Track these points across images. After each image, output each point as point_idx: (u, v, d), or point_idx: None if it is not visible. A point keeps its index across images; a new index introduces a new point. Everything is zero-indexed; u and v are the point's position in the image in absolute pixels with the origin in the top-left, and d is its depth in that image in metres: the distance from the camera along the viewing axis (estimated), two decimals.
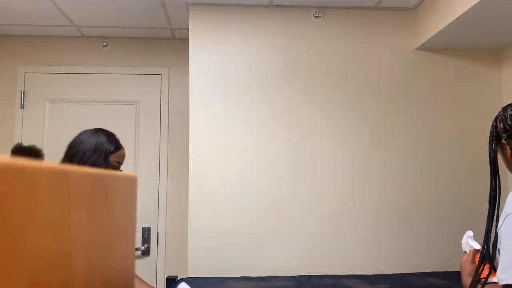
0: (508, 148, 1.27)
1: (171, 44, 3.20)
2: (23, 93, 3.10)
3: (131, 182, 0.69)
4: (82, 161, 1.64)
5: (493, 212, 1.27)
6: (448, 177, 2.57)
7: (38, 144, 2.45)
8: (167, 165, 3.10)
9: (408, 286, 2.13)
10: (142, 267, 2.98)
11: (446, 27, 2.28)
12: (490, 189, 1.31)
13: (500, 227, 1.21)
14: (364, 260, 2.48)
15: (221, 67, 2.55)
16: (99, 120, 3.11)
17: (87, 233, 0.46)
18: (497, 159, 1.31)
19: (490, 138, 1.33)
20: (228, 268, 2.41)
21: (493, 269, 1.22)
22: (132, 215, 0.69)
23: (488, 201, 1.32)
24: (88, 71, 3.15)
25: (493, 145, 1.31)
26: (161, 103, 3.16)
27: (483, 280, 1.20)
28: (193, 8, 2.58)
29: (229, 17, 2.59)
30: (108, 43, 3.19)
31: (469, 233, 1.40)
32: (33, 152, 2.26)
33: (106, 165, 1.68)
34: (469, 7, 2.05)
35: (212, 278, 2.28)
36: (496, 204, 1.29)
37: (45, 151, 2.51)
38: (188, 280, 2.11)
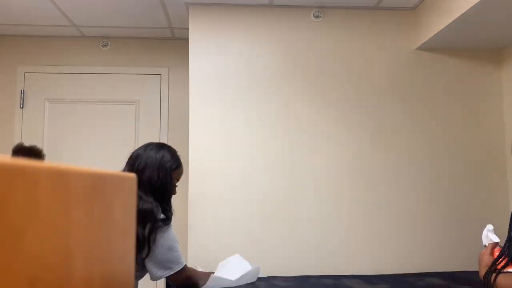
0: None
1: (171, 44, 3.20)
2: (23, 93, 3.10)
3: (131, 182, 0.69)
4: (146, 175, 1.68)
5: None
6: (448, 177, 2.57)
7: (38, 144, 2.45)
8: None
9: (408, 286, 2.13)
10: None
11: (446, 27, 2.28)
12: None
13: None
14: (364, 260, 2.48)
15: (221, 67, 2.55)
16: (99, 120, 3.11)
17: (87, 233, 0.46)
18: None
19: None
20: None
21: (511, 262, 1.21)
22: (132, 215, 0.69)
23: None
24: (88, 71, 3.15)
25: None
26: (161, 103, 3.16)
27: (498, 270, 1.20)
28: (193, 8, 2.58)
29: (229, 17, 2.59)
30: (108, 43, 3.19)
31: (490, 226, 1.37)
32: (34, 153, 2.26)
33: (170, 181, 1.72)
34: (469, 7, 2.05)
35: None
36: None
37: (45, 151, 2.51)
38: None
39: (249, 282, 1.98)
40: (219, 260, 2.40)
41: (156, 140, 3.11)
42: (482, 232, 1.42)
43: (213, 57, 2.56)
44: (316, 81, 2.58)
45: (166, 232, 1.64)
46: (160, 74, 3.19)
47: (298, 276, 2.33)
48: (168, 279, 1.74)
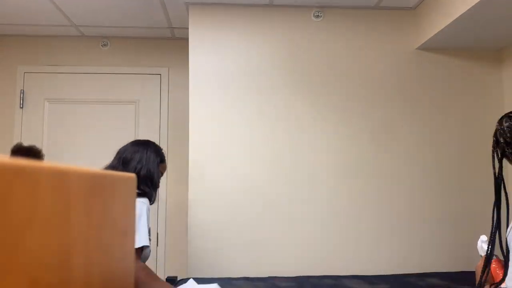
0: None
1: (171, 44, 3.20)
2: (23, 93, 3.10)
3: (130, 182, 0.69)
4: (138, 168, 1.81)
5: (498, 223, 1.26)
6: (448, 176, 2.57)
7: (37, 144, 2.45)
8: (167, 165, 3.10)
9: (408, 286, 2.13)
10: None
11: (446, 26, 2.28)
12: (494, 202, 1.28)
13: (508, 233, 1.24)
14: (364, 260, 2.48)
15: (221, 67, 2.55)
16: (99, 120, 3.11)
17: (87, 233, 0.45)
18: (502, 174, 1.28)
19: (493, 154, 1.29)
20: (228, 269, 2.41)
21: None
22: (131, 215, 0.69)
23: (492, 209, 1.31)
24: (88, 71, 3.15)
25: (498, 160, 1.29)
26: (161, 103, 3.16)
27: (495, 285, 1.22)
28: (193, 7, 2.58)
29: (229, 17, 2.59)
30: (107, 43, 3.19)
31: (483, 237, 1.41)
32: (33, 152, 2.26)
33: (158, 173, 1.87)
34: (469, 6, 2.05)
35: (212, 278, 2.27)
36: (498, 215, 1.27)
37: (44, 151, 2.51)
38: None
39: None
40: (218, 260, 2.40)
41: (155, 140, 3.11)
42: (482, 235, 1.44)
43: (213, 57, 2.56)
44: (316, 81, 2.57)
45: (138, 200, 1.68)
46: (160, 74, 3.19)
47: (298, 276, 2.33)
48: None
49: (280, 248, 2.45)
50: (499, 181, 1.27)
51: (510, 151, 1.24)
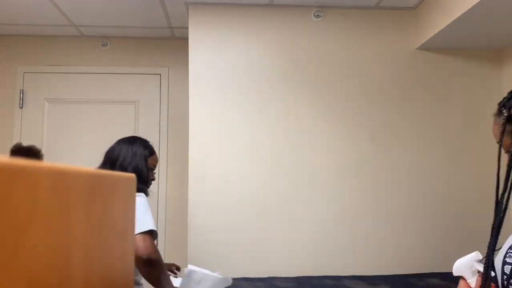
0: None
1: (170, 43, 3.20)
2: (22, 93, 3.10)
3: (130, 182, 0.69)
4: (124, 165, 1.80)
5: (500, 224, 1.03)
6: (448, 176, 2.57)
7: (37, 144, 2.45)
8: (167, 164, 3.10)
9: (408, 286, 2.13)
10: None
11: (446, 26, 2.28)
12: (501, 195, 1.04)
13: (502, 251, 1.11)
14: (364, 260, 2.48)
15: (221, 67, 2.55)
16: (99, 120, 3.11)
17: (87, 233, 0.45)
18: None
19: (502, 128, 1.07)
20: (228, 269, 2.41)
21: None
22: (131, 215, 0.69)
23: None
24: (88, 71, 3.15)
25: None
26: (160, 103, 3.16)
27: None
28: (193, 7, 2.58)
29: (229, 17, 2.59)
30: (107, 43, 3.19)
31: (477, 255, 1.16)
32: (32, 152, 2.26)
33: (147, 168, 1.85)
34: (469, 7, 2.05)
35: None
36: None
37: (44, 151, 2.51)
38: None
39: None
40: (218, 260, 2.40)
41: (156, 140, 3.10)
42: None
43: (213, 57, 2.56)
44: (316, 81, 2.57)
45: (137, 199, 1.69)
46: (160, 74, 3.19)
47: (298, 277, 2.33)
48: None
49: (280, 248, 2.45)
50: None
51: None
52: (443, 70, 2.63)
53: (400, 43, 2.63)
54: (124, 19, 2.88)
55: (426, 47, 2.60)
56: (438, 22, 2.37)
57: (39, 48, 3.16)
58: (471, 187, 2.56)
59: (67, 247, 0.38)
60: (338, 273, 2.42)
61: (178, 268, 2.18)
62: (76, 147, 3.05)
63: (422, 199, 2.54)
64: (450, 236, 2.52)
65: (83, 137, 3.07)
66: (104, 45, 3.18)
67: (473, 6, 2.03)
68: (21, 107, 3.09)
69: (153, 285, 1.67)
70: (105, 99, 3.13)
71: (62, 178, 0.37)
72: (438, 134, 2.59)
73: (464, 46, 2.60)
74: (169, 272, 1.96)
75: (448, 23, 2.25)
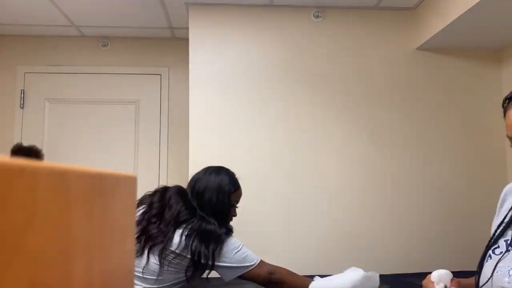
0: None
1: (171, 44, 3.20)
2: (23, 93, 3.10)
3: (131, 182, 0.69)
4: (206, 197, 1.72)
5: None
6: (448, 176, 2.57)
7: (37, 144, 2.45)
8: (167, 165, 3.10)
9: (408, 286, 2.13)
10: None
11: (446, 27, 2.28)
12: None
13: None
14: (364, 260, 2.47)
15: (221, 67, 2.55)
16: (99, 120, 3.11)
17: (87, 233, 0.45)
18: None
19: None
20: None
21: None
22: (132, 216, 0.69)
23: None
24: (88, 71, 3.15)
25: None
26: (161, 103, 3.16)
27: None
28: (193, 7, 2.58)
29: (229, 17, 2.59)
30: (108, 43, 3.19)
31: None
32: (32, 152, 2.26)
33: (229, 204, 1.79)
34: (469, 7, 2.05)
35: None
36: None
37: (44, 151, 2.51)
38: None
39: None
40: None
41: (156, 140, 3.11)
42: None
43: (213, 57, 2.56)
44: (316, 81, 2.57)
45: (229, 240, 1.69)
46: (160, 74, 3.19)
47: None
48: (247, 279, 1.74)
49: (280, 248, 2.45)
50: None
51: None
52: (442, 70, 2.63)
53: (399, 43, 2.63)
54: (124, 19, 2.88)
55: (425, 47, 2.60)
56: (437, 23, 2.37)
57: (39, 48, 3.16)
58: (471, 187, 2.56)
59: (67, 248, 0.38)
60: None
61: None
62: (77, 147, 3.05)
63: (422, 198, 2.54)
64: (451, 236, 2.52)
65: (83, 137, 3.07)
66: (104, 45, 3.19)
67: (472, 7, 2.03)
68: (22, 107, 3.09)
69: None
70: (105, 99, 3.13)
71: (62, 178, 0.37)
72: (438, 134, 2.59)
73: (464, 46, 2.60)
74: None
75: (448, 23, 2.25)
